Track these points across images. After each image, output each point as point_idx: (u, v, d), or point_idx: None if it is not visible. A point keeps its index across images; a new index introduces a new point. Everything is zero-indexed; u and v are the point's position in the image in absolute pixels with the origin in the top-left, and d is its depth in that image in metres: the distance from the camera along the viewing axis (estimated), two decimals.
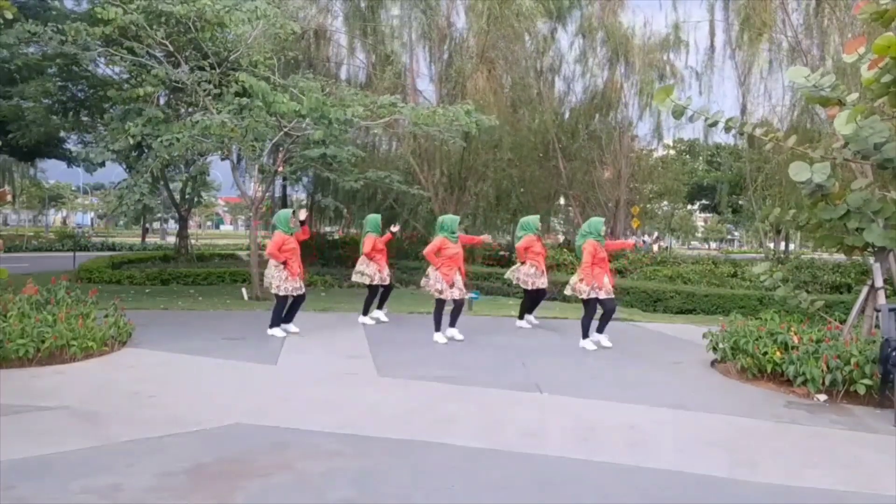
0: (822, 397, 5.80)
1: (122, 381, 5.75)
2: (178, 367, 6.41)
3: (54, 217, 67.33)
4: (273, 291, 8.16)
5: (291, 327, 8.38)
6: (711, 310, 12.16)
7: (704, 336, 7.17)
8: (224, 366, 6.49)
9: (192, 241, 21.63)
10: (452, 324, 8.32)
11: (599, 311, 7.99)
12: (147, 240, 37.25)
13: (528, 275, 9.25)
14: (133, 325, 7.42)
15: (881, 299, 6.36)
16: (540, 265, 9.31)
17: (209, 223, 74.45)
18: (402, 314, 10.37)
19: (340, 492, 3.52)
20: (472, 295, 11.57)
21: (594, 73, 19.85)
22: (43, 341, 6.15)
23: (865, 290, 6.64)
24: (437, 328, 8.23)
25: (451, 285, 8.16)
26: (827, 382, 5.71)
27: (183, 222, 18.83)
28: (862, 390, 5.56)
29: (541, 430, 4.77)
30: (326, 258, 18.06)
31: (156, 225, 50.40)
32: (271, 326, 8.19)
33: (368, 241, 9.42)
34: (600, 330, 8.06)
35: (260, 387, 5.77)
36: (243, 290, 12.38)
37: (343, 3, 18.56)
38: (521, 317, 9.66)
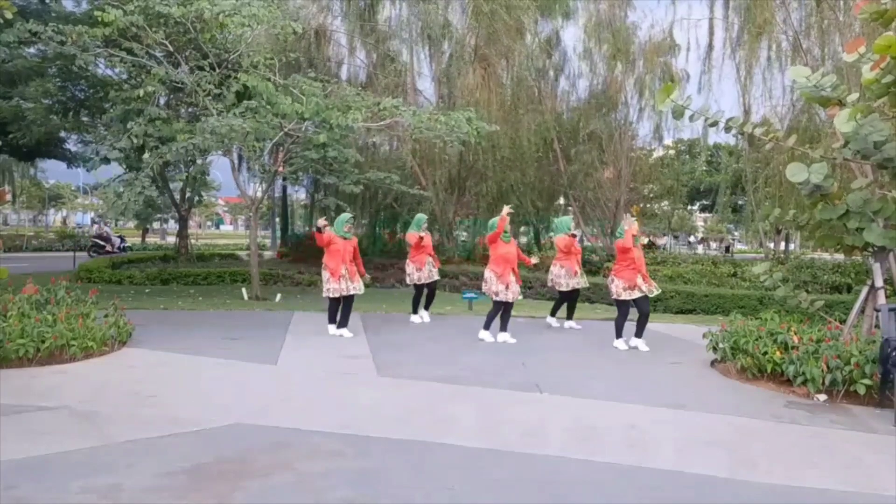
0: (822, 397, 5.80)
1: (122, 381, 5.75)
2: (178, 367, 6.41)
3: (54, 217, 67.31)
4: (323, 294, 8.36)
5: (345, 332, 8.26)
6: (711, 310, 12.16)
7: (704, 336, 7.17)
8: (224, 366, 6.49)
9: (192, 241, 21.65)
10: (504, 328, 8.28)
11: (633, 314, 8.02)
12: (147, 240, 37.30)
13: (560, 276, 9.32)
14: (133, 325, 7.42)
15: (881, 299, 6.37)
16: (573, 266, 9.35)
17: (209, 223, 74.43)
18: (403, 314, 10.36)
19: (340, 492, 3.52)
20: (472, 295, 11.57)
21: (596, 71, 19.85)
22: (43, 341, 6.15)
23: (865, 290, 6.65)
24: (487, 326, 8.24)
25: (507, 287, 8.17)
26: (827, 382, 5.71)
27: (183, 222, 18.84)
28: (862, 390, 5.56)
29: (541, 430, 4.77)
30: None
31: (156, 225, 50.44)
32: (329, 323, 8.45)
33: (411, 239, 9.55)
34: (639, 334, 7.98)
35: (260, 387, 5.77)
36: (243, 290, 12.39)
37: (342, 2, 18.55)
38: (552, 314, 9.74)
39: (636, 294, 7.81)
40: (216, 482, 3.60)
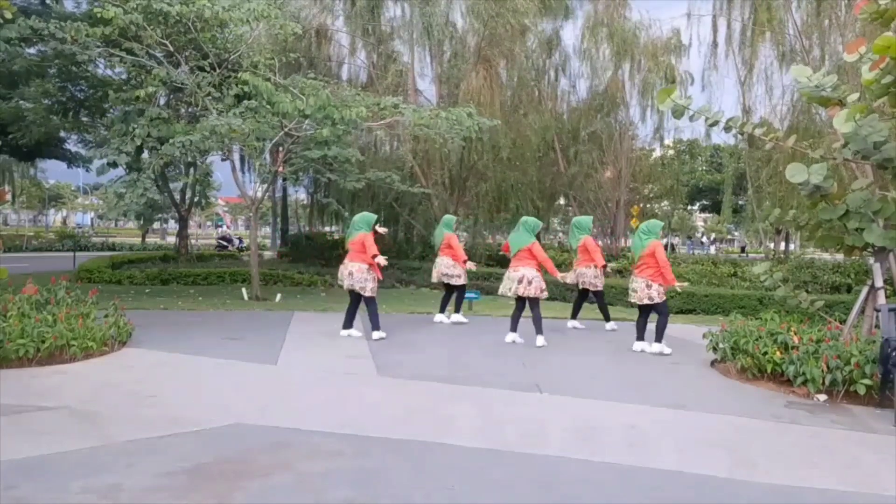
0: (822, 397, 5.80)
1: (122, 381, 5.75)
2: (178, 367, 6.41)
3: (54, 217, 67.32)
4: (368, 294, 8.10)
5: (353, 332, 8.28)
6: (711, 310, 12.16)
7: (704, 336, 7.17)
8: (224, 366, 6.49)
9: (192, 241, 21.67)
10: (514, 328, 8.27)
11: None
12: (147, 240, 37.34)
13: (594, 276, 9.27)
14: (133, 325, 7.41)
15: (881, 299, 6.37)
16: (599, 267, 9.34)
17: (209, 223, 74.46)
18: (403, 314, 10.36)
19: (340, 492, 3.52)
20: (473, 295, 11.56)
21: (596, 72, 19.83)
22: (43, 341, 6.14)
23: (865, 290, 6.65)
24: (541, 330, 8.09)
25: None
26: (827, 382, 5.71)
27: (183, 222, 18.84)
28: (862, 390, 5.56)
29: (541, 430, 4.76)
30: (327, 258, 18.08)
31: (156, 225, 50.50)
32: (377, 329, 8.15)
33: (454, 241, 9.43)
34: (640, 337, 7.91)
35: (260, 387, 5.76)
36: (243, 290, 12.39)
37: (344, 2, 18.55)
38: (607, 319, 9.62)
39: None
40: (216, 482, 3.60)
